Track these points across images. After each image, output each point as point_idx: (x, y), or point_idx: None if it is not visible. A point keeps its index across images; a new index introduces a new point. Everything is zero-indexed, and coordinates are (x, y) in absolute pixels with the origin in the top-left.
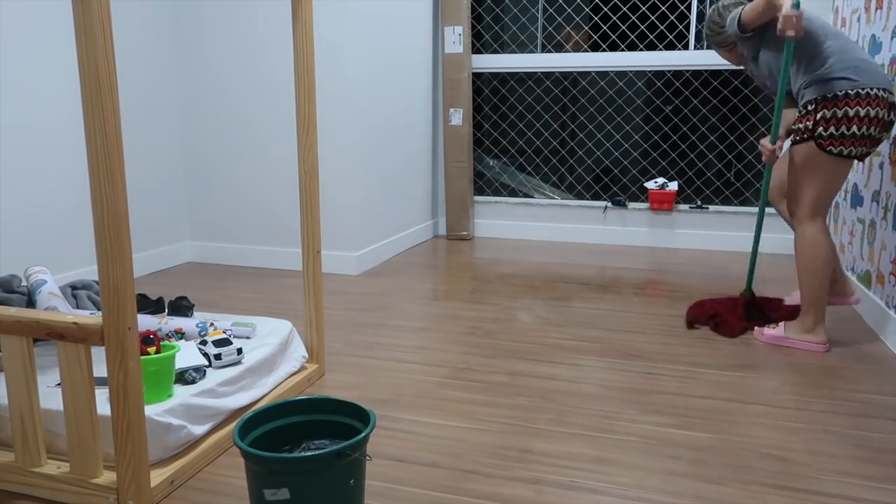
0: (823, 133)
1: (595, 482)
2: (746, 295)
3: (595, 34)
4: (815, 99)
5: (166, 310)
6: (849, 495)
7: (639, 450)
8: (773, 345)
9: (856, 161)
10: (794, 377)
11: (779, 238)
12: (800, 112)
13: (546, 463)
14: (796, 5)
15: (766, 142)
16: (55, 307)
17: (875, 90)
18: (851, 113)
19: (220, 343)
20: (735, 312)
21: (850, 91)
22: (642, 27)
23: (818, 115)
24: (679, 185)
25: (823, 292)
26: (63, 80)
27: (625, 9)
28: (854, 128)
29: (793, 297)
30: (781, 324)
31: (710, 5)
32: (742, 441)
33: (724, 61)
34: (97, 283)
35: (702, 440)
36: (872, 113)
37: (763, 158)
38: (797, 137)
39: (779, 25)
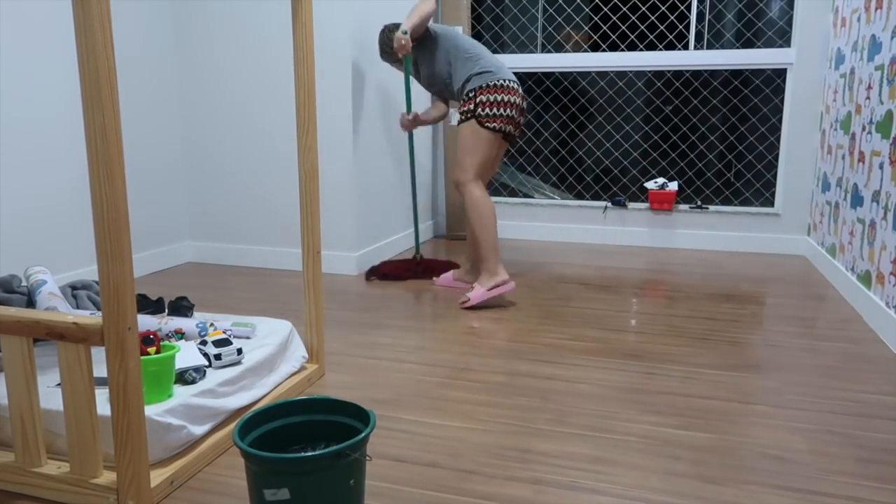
0: (482, 113)
1: (595, 482)
2: (417, 257)
3: (595, 34)
4: (475, 88)
5: (166, 310)
6: (849, 495)
7: (639, 450)
8: (482, 302)
9: (504, 137)
10: (794, 377)
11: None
12: (464, 98)
13: (546, 463)
14: (404, 32)
15: (404, 112)
16: (55, 307)
17: (509, 82)
18: (500, 98)
19: (220, 343)
20: (405, 269)
21: (497, 82)
22: (642, 27)
23: (478, 100)
24: (679, 185)
25: (496, 238)
26: (63, 80)
27: (625, 9)
28: (503, 110)
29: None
30: (475, 286)
31: (701, 6)
32: (742, 441)
33: (725, 61)
34: (97, 283)
35: (702, 440)
36: (513, 99)
37: (402, 128)
38: (463, 118)
39: (395, 45)
